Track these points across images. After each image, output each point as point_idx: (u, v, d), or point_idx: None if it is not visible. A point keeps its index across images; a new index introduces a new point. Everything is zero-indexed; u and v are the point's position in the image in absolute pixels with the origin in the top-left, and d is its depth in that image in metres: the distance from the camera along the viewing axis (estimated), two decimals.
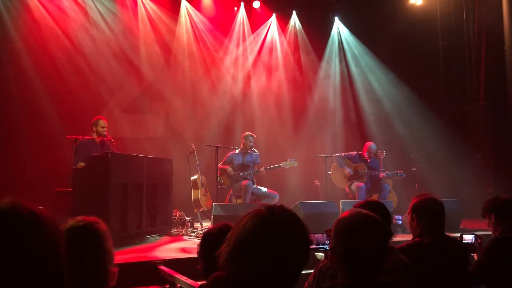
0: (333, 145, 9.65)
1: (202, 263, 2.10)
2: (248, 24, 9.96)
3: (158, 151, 7.77)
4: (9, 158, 7.27)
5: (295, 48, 10.31)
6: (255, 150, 7.47)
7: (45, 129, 7.47)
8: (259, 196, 7.13)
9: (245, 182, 7.02)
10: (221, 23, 9.68)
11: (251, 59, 9.94)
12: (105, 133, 6.27)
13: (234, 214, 5.53)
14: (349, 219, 1.63)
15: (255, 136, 7.50)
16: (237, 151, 7.42)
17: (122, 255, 4.68)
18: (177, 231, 6.51)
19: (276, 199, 7.05)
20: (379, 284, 1.59)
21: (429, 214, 2.64)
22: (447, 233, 2.71)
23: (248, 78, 9.87)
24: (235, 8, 9.91)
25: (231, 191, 7.25)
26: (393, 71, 9.85)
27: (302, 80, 10.25)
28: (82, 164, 5.74)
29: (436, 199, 2.70)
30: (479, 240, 3.02)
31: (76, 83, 7.89)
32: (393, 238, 1.68)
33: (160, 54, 8.99)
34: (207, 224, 6.89)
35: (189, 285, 3.18)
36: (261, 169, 7.28)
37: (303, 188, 9.12)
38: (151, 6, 9.00)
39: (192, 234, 6.34)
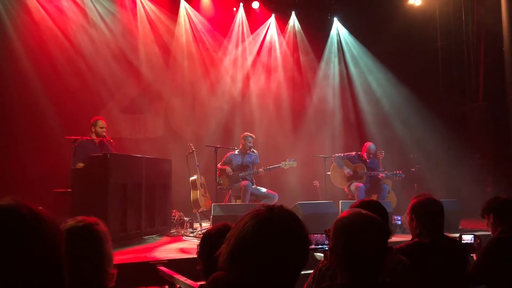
0: (332, 145, 9.66)
1: (202, 264, 2.10)
2: (247, 25, 9.96)
3: (157, 152, 7.77)
4: (9, 159, 7.28)
5: (294, 48, 10.32)
6: (254, 150, 7.47)
7: (44, 130, 7.47)
8: (258, 196, 7.13)
9: (244, 182, 7.02)
10: (220, 23, 9.68)
11: (250, 59, 9.94)
12: (104, 134, 6.27)
13: (234, 214, 5.53)
14: (348, 219, 1.63)
15: (254, 136, 7.50)
16: (236, 152, 7.42)
17: (122, 256, 4.68)
18: (177, 232, 6.51)
19: (275, 200, 7.05)
20: (378, 284, 1.59)
21: (428, 214, 2.64)
22: (446, 234, 2.71)
23: (247, 78, 9.87)
24: (234, 9, 9.91)
25: (230, 192, 7.25)
26: (392, 71, 9.86)
27: (301, 80, 10.25)
28: (81, 164, 5.73)
29: (435, 200, 2.71)
30: (478, 240, 3.02)
31: (75, 84, 7.89)
32: (391, 237, 1.68)
33: (159, 55, 9.00)
34: (206, 225, 6.89)
35: (189, 285, 3.18)
36: (260, 170, 7.28)
37: (302, 189, 9.13)
38: (150, 7, 9.00)
39: (192, 235, 6.33)
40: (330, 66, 10.46)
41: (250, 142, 7.33)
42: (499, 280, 2.69)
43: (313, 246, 2.59)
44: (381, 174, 7.60)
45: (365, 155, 7.80)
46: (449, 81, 9.93)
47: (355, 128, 10.09)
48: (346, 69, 10.49)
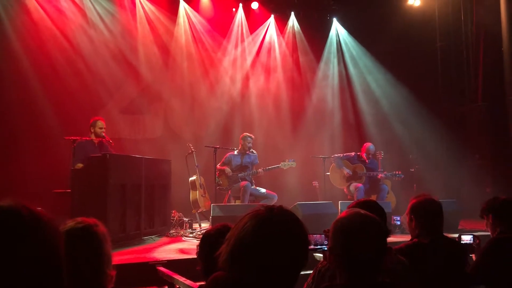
0: (332, 146, 9.67)
1: (201, 264, 2.10)
2: (247, 25, 9.97)
3: (156, 152, 7.77)
4: (8, 159, 7.27)
5: (293, 49, 10.33)
6: (254, 151, 7.47)
7: (43, 130, 7.47)
8: (257, 197, 7.13)
9: (243, 183, 7.03)
10: (220, 24, 9.69)
11: (249, 60, 9.95)
12: (103, 134, 6.26)
13: (233, 215, 5.53)
14: (347, 220, 1.63)
15: (253, 137, 7.50)
16: (235, 152, 7.42)
17: (121, 256, 4.68)
18: (176, 232, 6.50)
19: (274, 200, 7.05)
20: (377, 284, 1.60)
21: (427, 214, 2.64)
22: (445, 234, 2.71)
23: (246, 79, 9.88)
24: (234, 9, 9.92)
25: (229, 192, 7.25)
26: (391, 72, 9.87)
27: (301, 81, 10.26)
28: (80, 165, 5.73)
29: (435, 200, 2.71)
30: (477, 241, 3.02)
31: (75, 84, 7.88)
32: (389, 236, 1.68)
33: (158, 55, 8.99)
34: (205, 225, 6.89)
35: (188, 286, 3.18)
36: (260, 170, 7.28)
37: (302, 189, 9.13)
38: (149, 7, 9.00)
39: (191, 235, 6.33)
40: (329, 67, 10.47)
41: (249, 143, 7.33)
42: (498, 280, 2.69)
43: (312, 247, 2.59)
44: (380, 175, 7.60)
45: (364, 155, 7.80)
46: (448, 82, 9.95)
47: (354, 129, 10.10)
48: (345, 69, 10.50)
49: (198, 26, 9.49)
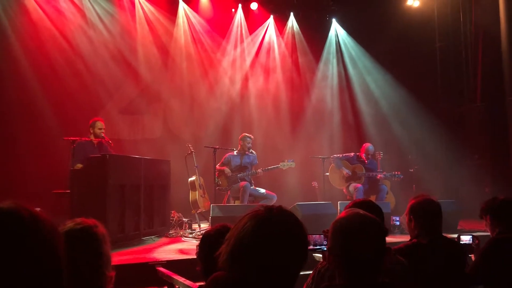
0: (331, 146, 9.67)
1: (201, 264, 2.11)
2: (246, 26, 9.97)
3: (155, 153, 7.77)
4: (7, 160, 7.26)
5: (293, 49, 10.33)
6: (253, 151, 7.47)
7: (42, 131, 7.46)
8: (257, 197, 7.13)
9: (243, 183, 7.03)
10: (219, 24, 9.69)
11: (248, 60, 9.95)
12: (103, 135, 6.26)
13: (232, 215, 5.53)
14: (346, 220, 1.63)
15: (252, 137, 7.50)
16: (235, 153, 7.42)
17: (120, 257, 4.68)
18: (175, 233, 6.51)
19: (274, 200, 7.06)
20: (377, 285, 1.60)
21: (426, 215, 2.65)
22: (444, 234, 2.72)
23: (245, 79, 9.88)
24: (233, 10, 9.92)
25: (229, 192, 7.25)
26: (390, 72, 9.87)
27: (300, 81, 10.27)
28: (79, 165, 5.73)
29: (434, 200, 2.71)
30: (477, 241, 3.02)
31: (74, 85, 7.88)
32: (388, 235, 1.68)
33: (157, 56, 8.99)
34: (205, 226, 6.89)
35: (188, 286, 3.18)
36: (259, 170, 7.28)
37: (301, 189, 9.14)
38: (148, 8, 9.00)
39: (190, 236, 6.33)
40: (329, 67, 10.47)
41: (248, 143, 7.33)
42: (498, 280, 2.69)
43: (311, 247, 2.59)
44: (379, 175, 7.60)
45: (363, 156, 7.81)
46: (447, 82, 9.96)
47: (354, 129, 10.10)
48: (344, 70, 10.50)
49: (198, 27, 9.49)
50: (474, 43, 9.32)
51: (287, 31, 10.31)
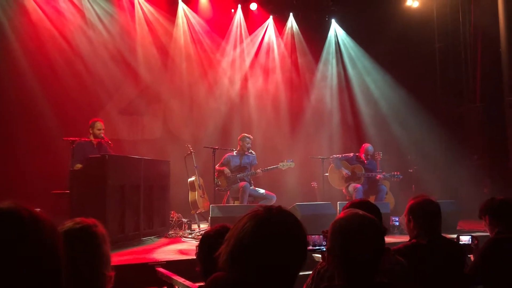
0: (330, 146, 9.68)
1: (200, 265, 2.11)
2: (245, 26, 9.97)
3: (155, 153, 7.77)
4: (7, 160, 7.25)
5: (292, 50, 10.33)
6: (252, 151, 7.48)
7: (42, 131, 7.46)
8: (256, 197, 7.13)
9: (242, 183, 7.03)
10: (218, 25, 9.69)
11: (248, 61, 9.95)
12: (102, 135, 6.26)
13: (232, 215, 5.54)
14: (345, 221, 1.64)
15: (252, 137, 7.50)
16: (234, 153, 7.43)
17: (120, 257, 4.67)
18: (175, 233, 6.50)
19: (273, 201, 7.06)
20: (376, 285, 1.60)
21: (425, 215, 2.65)
22: (443, 234, 2.72)
23: (245, 80, 9.88)
24: (232, 10, 9.92)
25: (228, 193, 7.25)
26: (390, 73, 9.88)
27: (299, 81, 10.27)
28: (79, 166, 5.73)
29: (433, 201, 2.72)
30: (476, 241, 3.02)
31: (73, 85, 7.88)
32: (386, 234, 1.69)
33: (157, 56, 8.99)
34: (204, 226, 6.89)
35: (187, 286, 3.18)
36: (258, 171, 7.29)
37: (301, 190, 9.14)
38: (148, 8, 9.00)
39: (190, 236, 6.33)
40: (328, 68, 10.47)
41: (248, 143, 7.33)
42: (497, 280, 2.70)
43: (310, 247, 2.60)
44: (379, 175, 7.61)
45: (363, 156, 7.81)
46: (446, 83, 9.97)
47: (353, 129, 10.11)
48: (344, 70, 10.51)
49: (197, 27, 9.50)
50: (473, 43, 9.34)
51: (286, 32, 10.32)
